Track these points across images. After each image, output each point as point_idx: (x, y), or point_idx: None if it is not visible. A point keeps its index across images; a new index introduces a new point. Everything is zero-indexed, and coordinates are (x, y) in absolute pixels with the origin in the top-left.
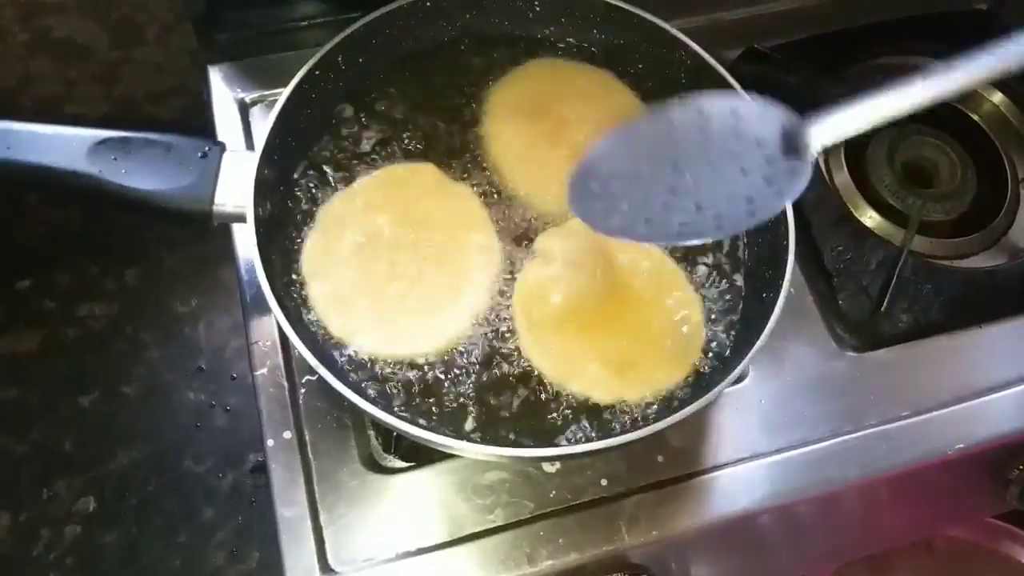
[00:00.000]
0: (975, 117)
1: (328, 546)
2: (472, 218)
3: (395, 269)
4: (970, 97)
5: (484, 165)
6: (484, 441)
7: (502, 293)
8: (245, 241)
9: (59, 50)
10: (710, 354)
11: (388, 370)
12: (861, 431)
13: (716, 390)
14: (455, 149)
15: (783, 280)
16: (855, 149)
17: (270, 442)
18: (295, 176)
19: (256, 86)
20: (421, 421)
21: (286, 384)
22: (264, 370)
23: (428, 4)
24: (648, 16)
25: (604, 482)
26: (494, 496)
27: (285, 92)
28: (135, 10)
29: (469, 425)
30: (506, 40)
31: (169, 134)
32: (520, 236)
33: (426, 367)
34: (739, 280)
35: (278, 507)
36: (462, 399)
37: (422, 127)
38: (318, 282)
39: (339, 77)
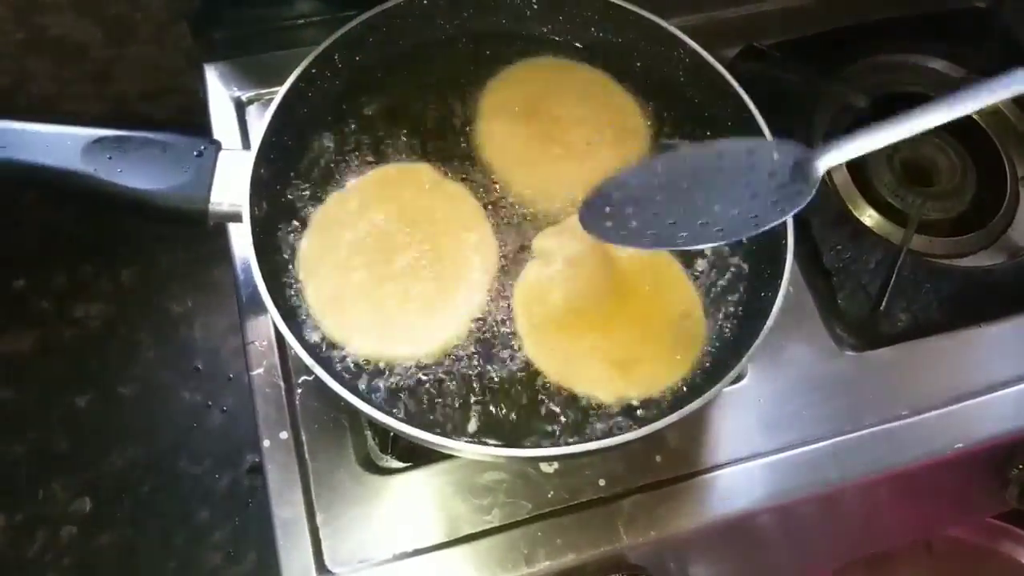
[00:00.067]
0: (974, 116)
1: (325, 547)
2: (468, 217)
3: (391, 270)
4: None
5: (480, 164)
6: (486, 442)
7: (500, 292)
8: (241, 241)
9: (54, 49)
10: (709, 353)
11: (385, 371)
12: (860, 430)
13: (714, 389)
14: (451, 148)
15: (782, 279)
16: None
17: (266, 442)
18: (291, 175)
19: (252, 84)
20: (419, 421)
21: (282, 384)
22: (260, 370)
23: (425, 2)
24: (646, 14)
25: (602, 482)
26: (492, 496)
27: (281, 90)
28: (130, 8)
29: (472, 426)
30: (504, 38)
31: (165, 133)
32: (517, 235)
33: (425, 368)
34: (738, 279)
35: (274, 508)
36: (463, 400)
37: (418, 126)
38: (314, 284)
39: (335, 76)
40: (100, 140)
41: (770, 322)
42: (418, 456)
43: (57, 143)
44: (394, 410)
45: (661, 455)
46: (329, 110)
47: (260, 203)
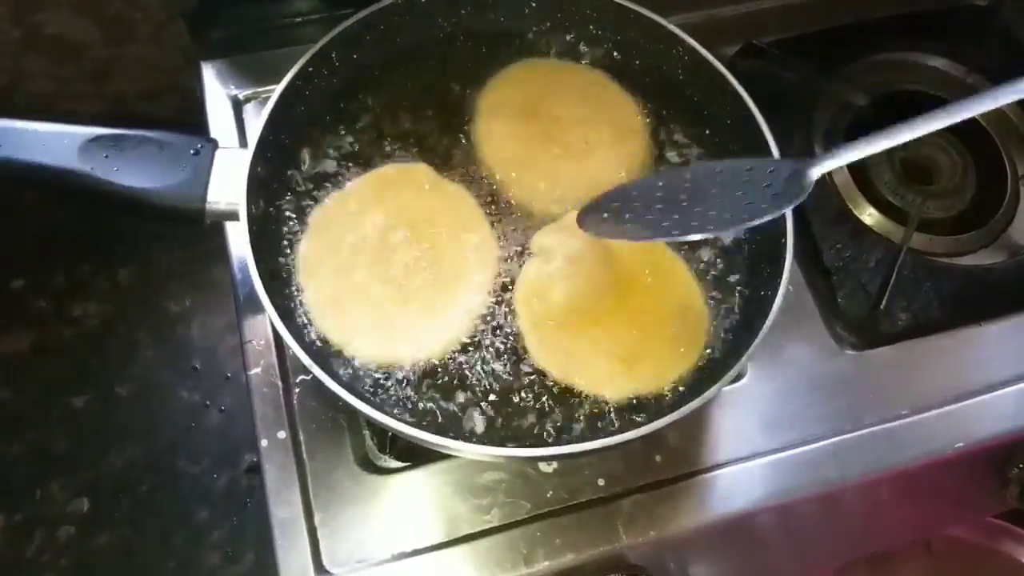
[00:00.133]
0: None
1: (323, 547)
2: (467, 217)
3: (391, 271)
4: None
5: (479, 164)
6: (485, 441)
7: (500, 292)
8: (238, 239)
9: (52, 47)
10: (710, 351)
11: (384, 372)
12: (860, 430)
13: (714, 388)
14: (450, 148)
15: (782, 278)
16: None
17: (264, 442)
18: (289, 173)
19: (249, 83)
20: (418, 421)
21: (280, 384)
22: (258, 369)
23: (423, 1)
24: (645, 12)
25: (601, 482)
26: (491, 496)
27: (278, 89)
28: (128, 7)
29: (475, 427)
30: (502, 37)
31: (161, 131)
32: (517, 234)
33: (425, 369)
34: (738, 278)
35: (272, 508)
36: (465, 401)
37: (416, 125)
38: (313, 287)
39: (332, 74)
40: (97, 139)
41: (770, 321)
42: (417, 456)
43: (54, 142)
44: (395, 410)
45: (661, 454)
46: (327, 108)
47: (257, 201)
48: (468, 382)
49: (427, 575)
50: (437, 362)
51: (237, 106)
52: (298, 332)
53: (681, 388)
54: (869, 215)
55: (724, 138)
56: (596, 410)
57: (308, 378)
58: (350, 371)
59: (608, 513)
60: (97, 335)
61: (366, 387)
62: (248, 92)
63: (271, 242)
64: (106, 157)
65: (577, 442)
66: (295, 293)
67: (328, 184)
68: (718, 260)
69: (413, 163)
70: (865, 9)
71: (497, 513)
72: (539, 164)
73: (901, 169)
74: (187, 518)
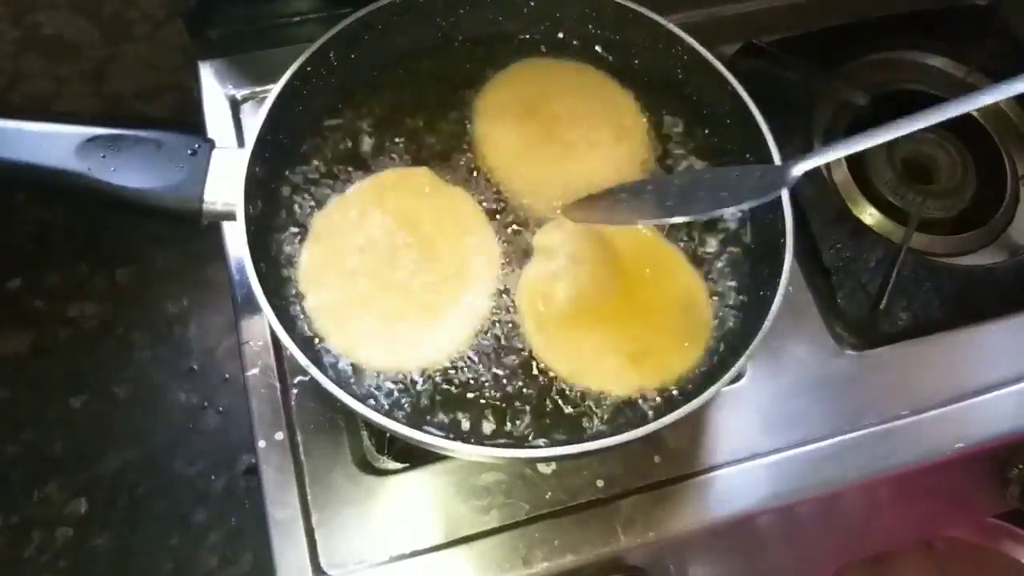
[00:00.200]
0: (975, 114)
1: (320, 548)
2: (469, 220)
3: (394, 278)
4: None
5: (478, 165)
6: (483, 442)
7: (504, 294)
8: (236, 240)
9: (49, 47)
10: (712, 346)
11: (393, 380)
12: (860, 430)
13: (713, 389)
14: (450, 149)
15: (781, 278)
16: None
17: (261, 443)
18: (286, 174)
19: (247, 82)
20: (420, 423)
21: (278, 385)
22: (255, 370)
23: (421, 0)
24: (644, 11)
25: (600, 483)
26: (489, 498)
27: (276, 88)
28: (125, 6)
29: (485, 429)
30: (500, 37)
31: (159, 131)
32: (519, 236)
33: (433, 375)
34: (737, 278)
35: (270, 509)
36: (473, 404)
37: (415, 126)
38: (316, 295)
39: (331, 74)
40: (94, 139)
41: (769, 321)
42: (415, 457)
43: (51, 142)
44: (400, 413)
45: (660, 455)
46: (325, 109)
47: (254, 201)
48: (473, 385)
49: None
50: (447, 368)
51: (235, 106)
52: (296, 334)
53: (685, 386)
54: (869, 215)
55: (723, 137)
56: (600, 409)
57: (306, 379)
58: (348, 372)
59: (607, 514)
60: (94, 336)
61: (364, 389)
62: (246, 92)
63: (269, 243)
64: (103, 157)
65: (573, 443)
66: (296, 297)
67: (326, 184)
68: (718, 261)
69: (413, 167)
70: (865, 8)
71: (496, 514)
72: (539, 164)
73: (901, 168)
74: (185, 519)
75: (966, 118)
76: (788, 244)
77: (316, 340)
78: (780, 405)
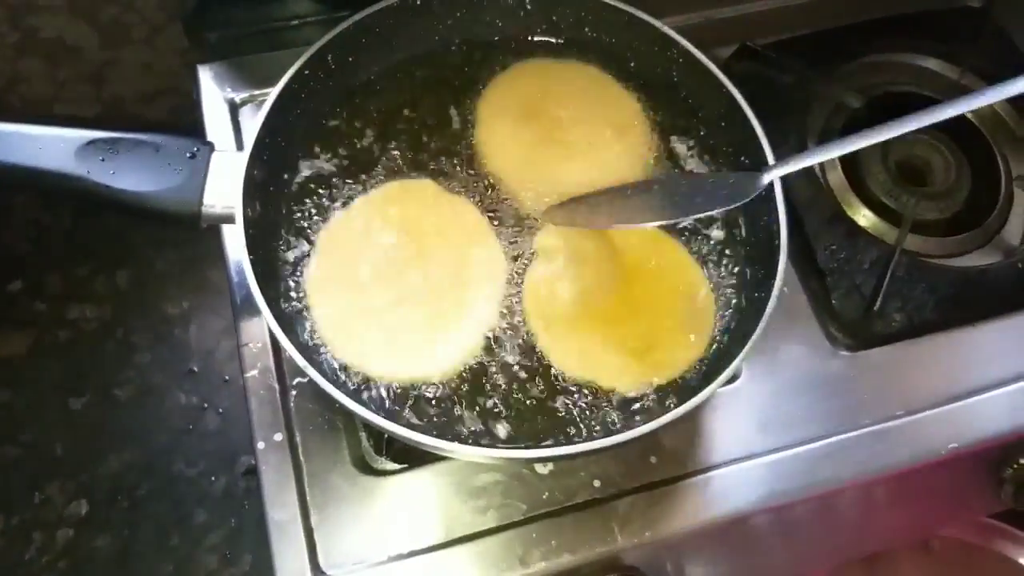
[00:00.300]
0: (968, 115)
1: (319, 548)
2: (473, 230)
3: (401, 291)
4: None
5: (482, 170)
6: (480, 442)
7: (511, 299)
8: (235, 242)
9: (48, 51)
10: (717, 337)
11: (402, 390)
12: (855, 431)
13: (708, 390)
14: (449, 151)
15: (776, 279)
16: None
17: (261, 444)
18: (285, 177)
19: (246, 85)
20: (426, 426)
21: (277, 386)
22: (255, 372)
23: (418, 3)
24: (640, 14)
25: (597, 483)
26: (487, 498)
27: (274, 91)
28: (124, 10)
29: (500, 433)
30: (498, 39)
31: (158, 134)
32: (524, 240)
33: (444, 384)
34: (732, 280)
35: (269, 509)
36: (483, 407)
37: (414, 128)
38: (323, 308)
39: (329, 77)
40: (93, 142)
41: (763, 323)
42: (413, 458)
43: (50, 145)
44: (405, 416)
45: (656, 456)
46: (324, 112)
47: (253, 204)
48: (479, 387)
49: None
50: (457, 376)
51: (233, 109)
52: (295, 336)
53: (700, 369)
54: (863, 216)
55: (719, 139)
56: (624, 404)
57: (305, 380)
58: (347, 373)
59: (604, 514)
60: (95, 337)
61: (365, 392)
62: (244, 95)
63: (268, 245)
64: (102, 160)
65: (571, 443)
66: (295, 299)
67: (325, 186)
68: (712, 262)
69: (417, 179)
70: (859, 11)
71: (494, 514)
72: (541, 166)
73: (895, 170)
74: (185, 520)
75: (960, 119)
76: (782, 245)
77: (322, 348)
78: (775, 406)
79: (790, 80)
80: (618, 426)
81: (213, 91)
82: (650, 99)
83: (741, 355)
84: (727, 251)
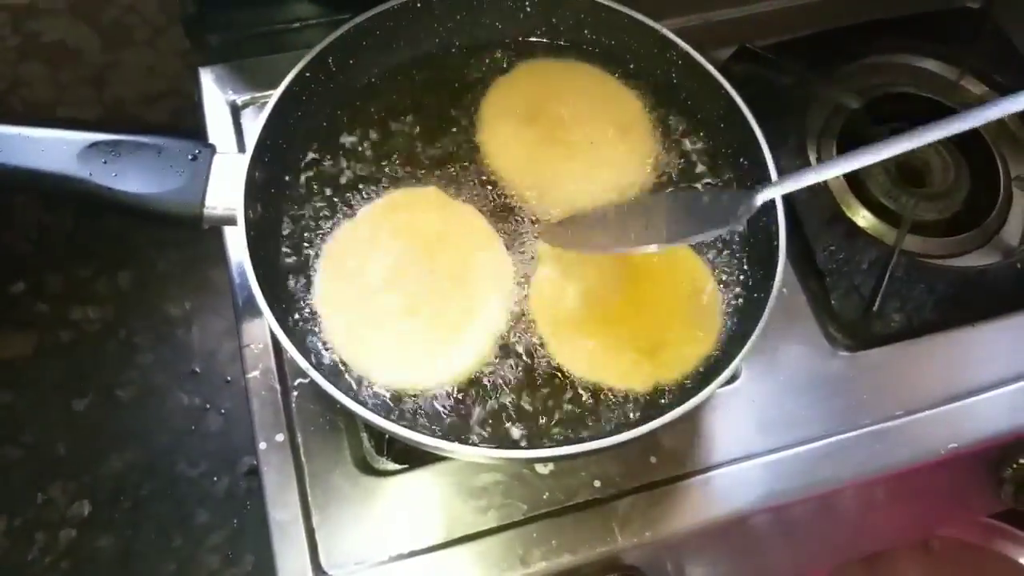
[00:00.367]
0: None
1: (321, 548)
2: (479, 236)
3: (409, 298)
4: (963, 96)
5: (486, 173)
6: (480, 443)
7: (518, 303)
8: (236, 244)
9: (50, 53)
10: (723, 332)
11: (414, 398)
12: (854, 431)
13: (708, 390)
14: (451, 154)
15: (775, 280)
16: (848, 148)
17: (262, 445)
18: (286, 179)
19: (247, 88)
20: (432, 427)
21: (278, 387)
22: (256, 373)
23: (419, 5)
24: (638, 16)
25: (597, 483)
26: (487, 498)
27: (276, 94)
28: (125, 13)
29: (514, 435)
30: (498, 41)
31: (160, 136)
32: (528, 243)
33: (456, 392)
34: (731, 281)
35: (270, 510)
36: (492, 409)
37: (415, 130)
38: (332, 319)
39: (330, 79)
40: (95, 144)
41: (763, 323)
42: (414, 458)
43: (52, 147)
44: (406, 416)
45: (656, 456)
46: (325, 114)
47: (255, 206)
48: (494, 394)
49: None
50: (468, 383)
51: (235, 111)
52: (295, 337)
53: (710, 364)
54: (862, 217)
55: (719, 141)
56: (636, 402)
57: (306, 381)
58: (375, 399)
59: (604, 514)
60: (97, 338)
61: (365, 393)
62: (246, 97)
63: (269, 246)
64: (104, 163)
65: (569, 443)
66: (301, 304)
67: (326, 189)
68: (712, 263)
69: (421, 186)
70: (858, 12)
71: (494, 515)
72: (545, 168)
73: (894, 171)
74: (187, 521)
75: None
76: (781, 246)
77: (322, 348)
78: (775, 406)
79: (789, 81)
80: (621, 426)
81: (215, 93)
82: (651, 100)
83: (741, 355)
84: (726, 252)
